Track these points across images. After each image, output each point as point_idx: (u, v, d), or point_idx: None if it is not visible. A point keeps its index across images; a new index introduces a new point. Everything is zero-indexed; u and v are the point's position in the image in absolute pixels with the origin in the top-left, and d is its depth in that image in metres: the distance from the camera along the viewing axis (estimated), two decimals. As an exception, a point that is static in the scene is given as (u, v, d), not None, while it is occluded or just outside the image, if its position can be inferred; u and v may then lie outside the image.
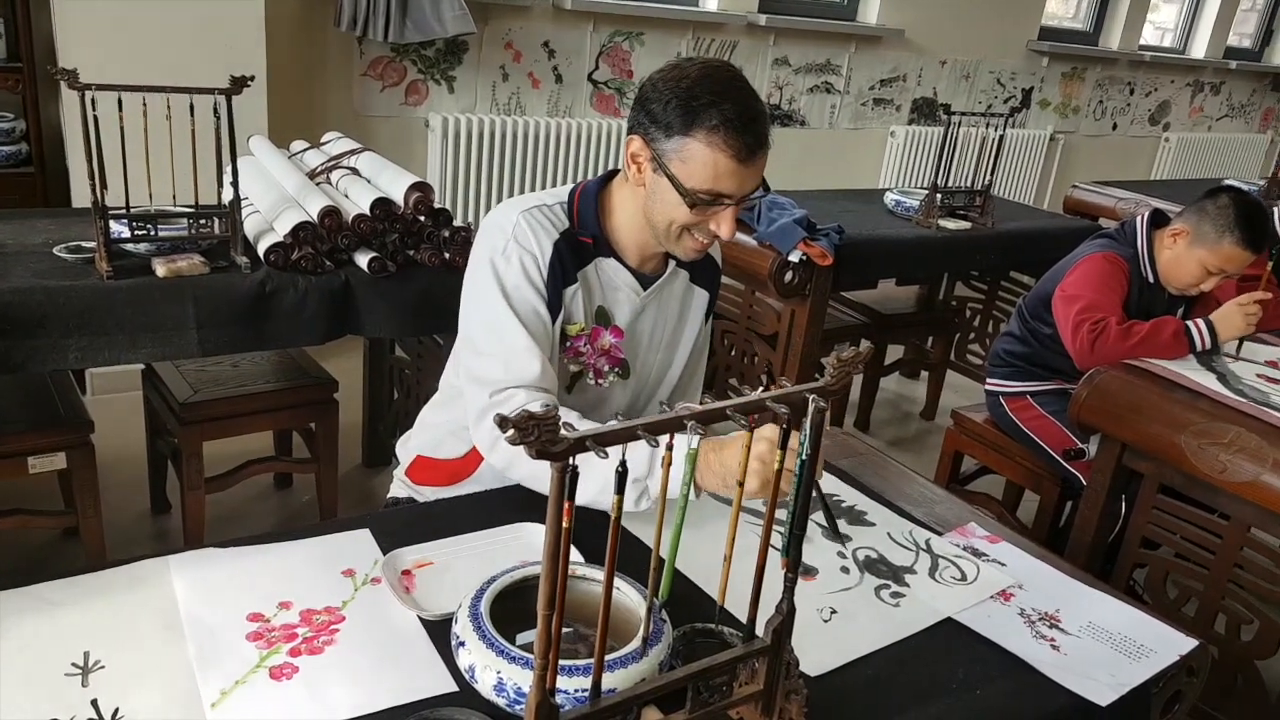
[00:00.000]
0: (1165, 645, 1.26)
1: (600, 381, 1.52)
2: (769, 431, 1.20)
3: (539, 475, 1.33)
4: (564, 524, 0.76)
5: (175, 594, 1.12)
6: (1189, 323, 2.25)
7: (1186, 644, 1.26)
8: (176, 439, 2.30)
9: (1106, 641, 1.26)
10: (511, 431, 0.71)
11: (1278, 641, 1.97)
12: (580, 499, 1.23)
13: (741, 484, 0.90)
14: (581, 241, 1.46)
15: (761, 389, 0.88)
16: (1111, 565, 2.26)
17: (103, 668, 0.99)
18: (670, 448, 0.81)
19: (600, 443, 0.76)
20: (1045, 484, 2.57)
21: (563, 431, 0.73)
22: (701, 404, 0.82)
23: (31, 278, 1.87)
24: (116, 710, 0.94)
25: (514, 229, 1.42)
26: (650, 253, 1.49)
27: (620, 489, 0.79)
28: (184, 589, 1.12)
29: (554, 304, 1.42)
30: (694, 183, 1.32)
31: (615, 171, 1.49)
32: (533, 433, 0.71)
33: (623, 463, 0.79)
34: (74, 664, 0.99)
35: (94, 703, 0.95)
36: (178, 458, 2.32)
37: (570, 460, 0.74)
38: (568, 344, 1.47)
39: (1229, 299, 2.32)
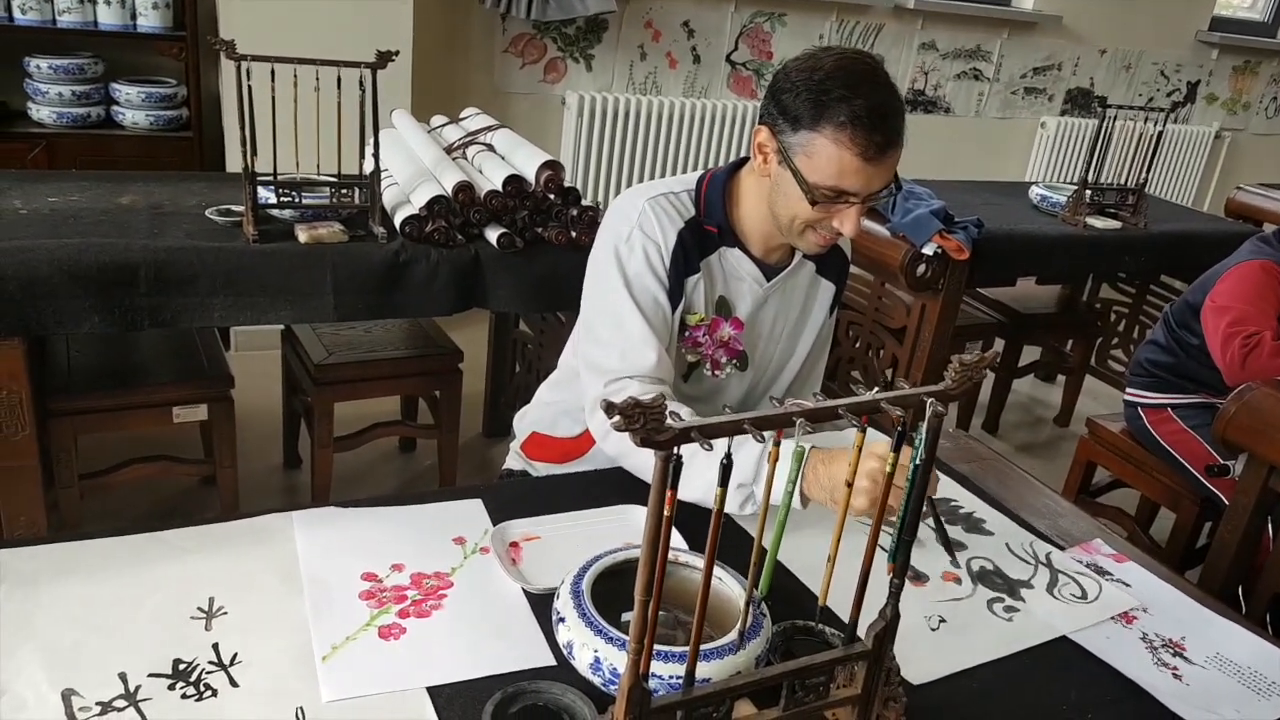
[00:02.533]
0: (1301, 684, 1.18)
1: (717, 373, 1.51)
2: (881, 448, 1.17)
3: (649, 468, 1.33)
4: (665, 512, 0.76)
5: (296, 549, 1.17)
6: (1355, 339, 2.08)
7: (1324, 685, 1.18)
8: (310, 398, 2.40)
9: (1234, 674, 1.18)
10: (617, 418, 0.71)
11: None
12: (687, 495, 1.24)
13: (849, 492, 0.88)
14: (706, 230, 1.45)
15: (878, 389, 0.85)
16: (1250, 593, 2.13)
17: (225, 614, 1.05)
18: (778, 443, 0.80)
19: (706, 435, 0.75)
20: (1183, 502, 2.44)
21: (669, 421, 0.73)
22: (814, 399, 0.81)
23: (184, 238, 1.98)
24: (235, 655, 0.99)
25: (639, 216, 1.41)
26: (775, 244, 1.47)
27: (724, 481, 0.78)
28: (304, 544, 1.17)
29: (675, 293, 1.42)
30: (817, 178, 1.30)
31: (745, 159, 1.47)
32: (638, 420, 0.71)
33: (728, 455, 0.78)
34: (199, 608, 1.05)
35: (215, 646, 1.00)
36: (310, 416, 2.43)
37: (675, 450, 0.74)
38: (686, 334, 1.46)
39: None
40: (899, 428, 0.86)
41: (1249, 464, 2.07)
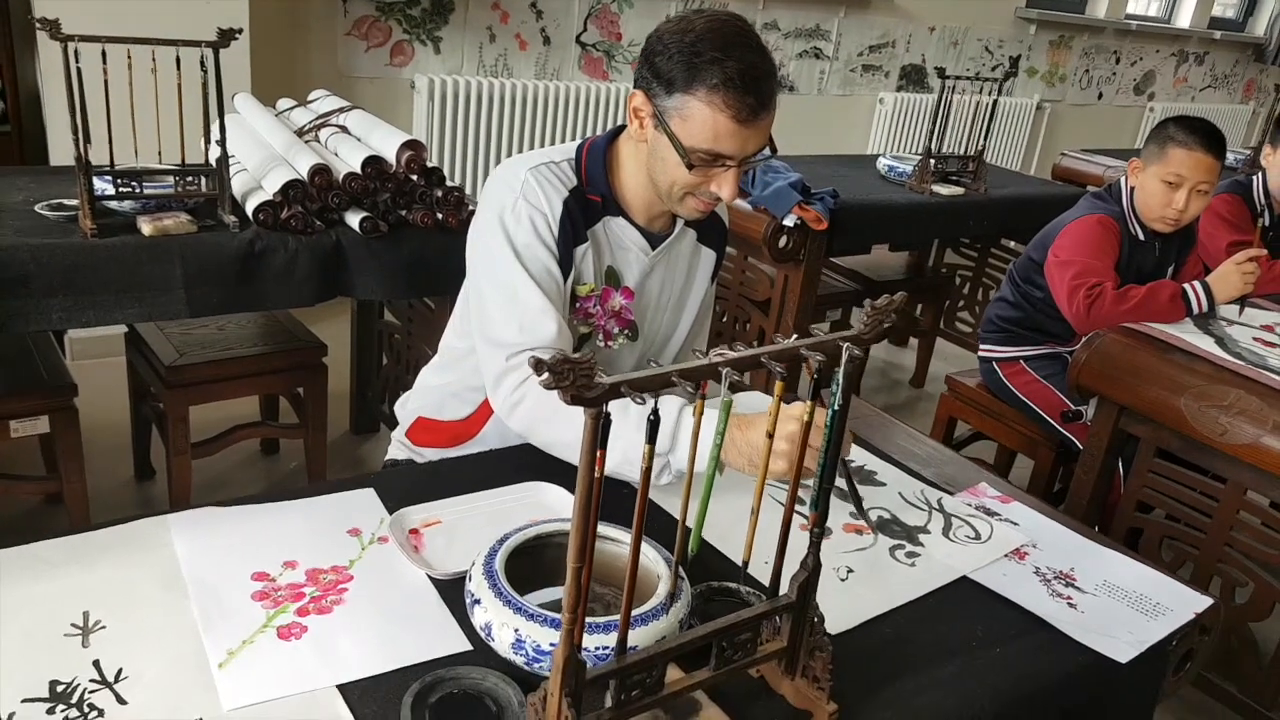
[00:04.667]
0: (1180, 603, 1.25)
1: (609, 344, 1.48)
2: (797, 410, 1.18)
3: (560, 441, 1.31)
4: (596, 474, 0.73)
5: (176, 554, 1.08)
6: (1186, 285, 2.24)
7: (1202, 602, 1.26)
8: (162, 403, 2.25)
9: (1123, 599, 1.24)
10: (546, 375, 0.67)
11: (1272, 604, 1.98)
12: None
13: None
14: (590, 200, 1.42)
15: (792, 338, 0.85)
16: (1107, 529, 2.27)
17: (103, 628, 0.96)
18: (704, 397, 0.78)
19: (635, 388, 0.73)
20: (1040, 449, 2.57)
21: (598, 378, 0.70)
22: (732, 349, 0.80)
23: (13, 235, 1.81)
24: (120, 671, 0.91)
25: (523, 186, 1.37)
26: (657, 211, 1.46)
27: (652, 438, 0.76)
28: (185, 549, 1.09)
29: (565, 263, 1.38)
30: (693, 142, 1.28)
31: (623, 127, 1.44)
32: (568, 377, 0.68)
33: (654, 411, 0.76)
34: (73, 624, 0.96)
35: (95, 663, 0.91)
36: (163, 422, 2.27)
37: (604, 407, 0.71)
38: (577, 305, 1.43)
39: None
40: (814, 376, 0.86)
41: (1100, 407, 2.20)
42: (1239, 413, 1.90)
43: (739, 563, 1.11)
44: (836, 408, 0.86)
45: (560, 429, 1.28)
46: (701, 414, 0.79)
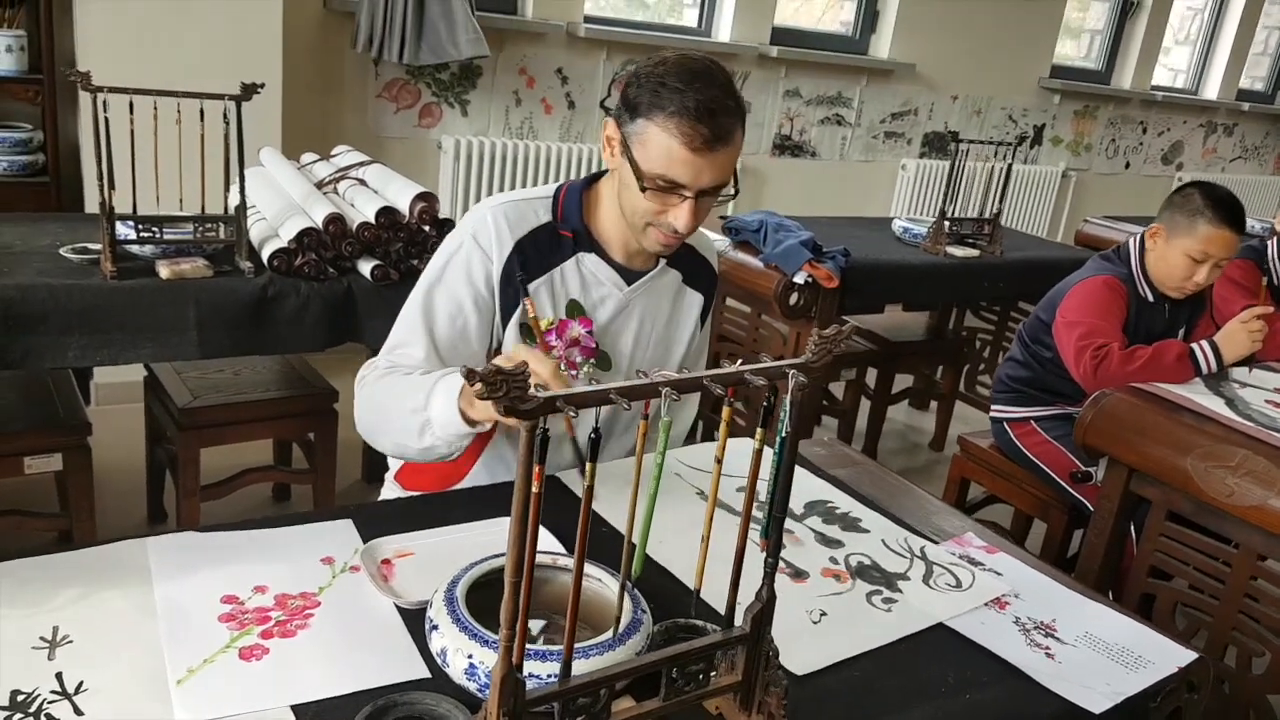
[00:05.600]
0: (1164, 657, 1.22)
1: (573, 372, 1.51)
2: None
3: (390, 428, 1.40)
4: (534, 488, 0.75)
5: (151, 575, 1.10)
6: (1193, 345, 2.22)
7: (1186, 656, 1.23)
8: (175, 445, 2.29)
9: (1103, 651, 1.22)
10: (479, 385, 0.69)
11: (1291, 675, 1.92)
12: (411, 444, 1.34)
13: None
14: (562, 235, 1.47)
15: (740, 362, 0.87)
16: (1120, 595, 2.22)
17: (71, 642, 0.98)
18: (646, 416, 0.80)
19: (571, 402, 0.74)
20: (1053, 512, 2.53)
21: (533, 390, 0.72)
22: (680, 372, 0.81)
23: (36, 275, 1.89)
24: (81, 684, 0.93)
25: (476, 226, 1.46)
26: (636, 247, 1.49)
27: (594, 456, 0.77)
28: (160, 570, 1.11)
29: (506, 306, 1.46)
30: (649, 166, 1.33)
31: (604, 172, 1.50)
32: (500, 388, 0.70)
33: (595, 429, 0.77)
34: (42, 638, 0.98)
35: (58, 676, 0.93)
36: (175, 464, 2.32)
37: (542, 421, 0.73)
38: (535, 342, 1.47)
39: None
40: (765, 403, 0.87)
41: (1110, 467, 2.17)
42: (1246, 473, 1.86)
43: (704, 597, 1.11)
44: (785, 435, 0.87)
45: (380, 419, 1.41)
46: (645, 433, 0.81)
